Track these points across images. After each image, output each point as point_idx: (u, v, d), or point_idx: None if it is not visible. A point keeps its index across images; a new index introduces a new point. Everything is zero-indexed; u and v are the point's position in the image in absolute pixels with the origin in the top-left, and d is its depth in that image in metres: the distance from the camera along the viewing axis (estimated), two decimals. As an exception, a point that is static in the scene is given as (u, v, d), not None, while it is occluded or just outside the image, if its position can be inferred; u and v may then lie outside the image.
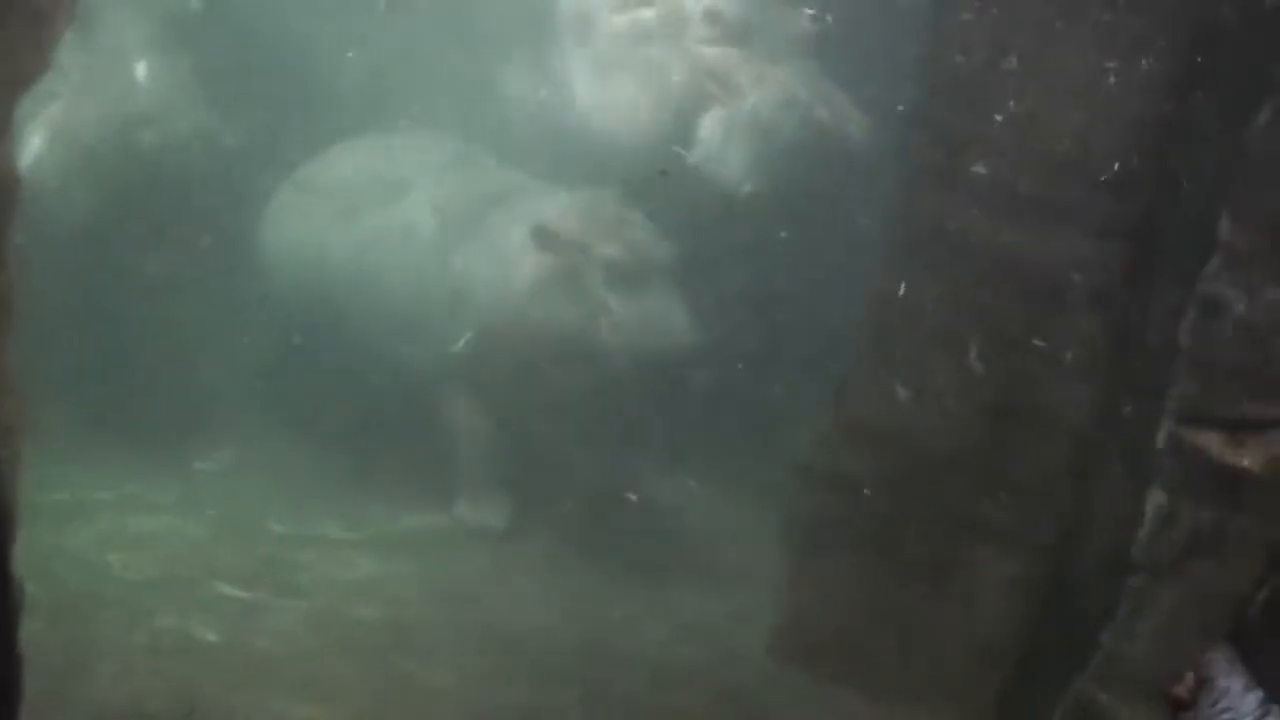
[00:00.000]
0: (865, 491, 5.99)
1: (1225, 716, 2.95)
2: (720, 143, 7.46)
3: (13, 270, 4.44)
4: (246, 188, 7.93)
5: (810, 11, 7.49)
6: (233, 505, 7.09)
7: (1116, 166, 5.48)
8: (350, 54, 8.21)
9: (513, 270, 7.11)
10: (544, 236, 6.99)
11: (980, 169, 5.67)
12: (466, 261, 7.28)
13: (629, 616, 6.59)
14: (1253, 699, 2.94)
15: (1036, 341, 5.69)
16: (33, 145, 7.16)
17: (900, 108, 6.16)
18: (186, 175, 7.53)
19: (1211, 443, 5.16)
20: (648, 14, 7.75)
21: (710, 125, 7.53)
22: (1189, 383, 5.21)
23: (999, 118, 5.61)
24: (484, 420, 7.27)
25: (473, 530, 7.20)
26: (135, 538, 6.67)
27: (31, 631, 3.29)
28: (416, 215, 7.45)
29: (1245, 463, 5.12)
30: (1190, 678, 3.00)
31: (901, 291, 5.84)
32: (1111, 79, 5.44)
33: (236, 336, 7.78)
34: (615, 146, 7.63)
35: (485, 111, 7.97)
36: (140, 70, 7.64)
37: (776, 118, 7.44)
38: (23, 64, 4.35)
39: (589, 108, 7.74)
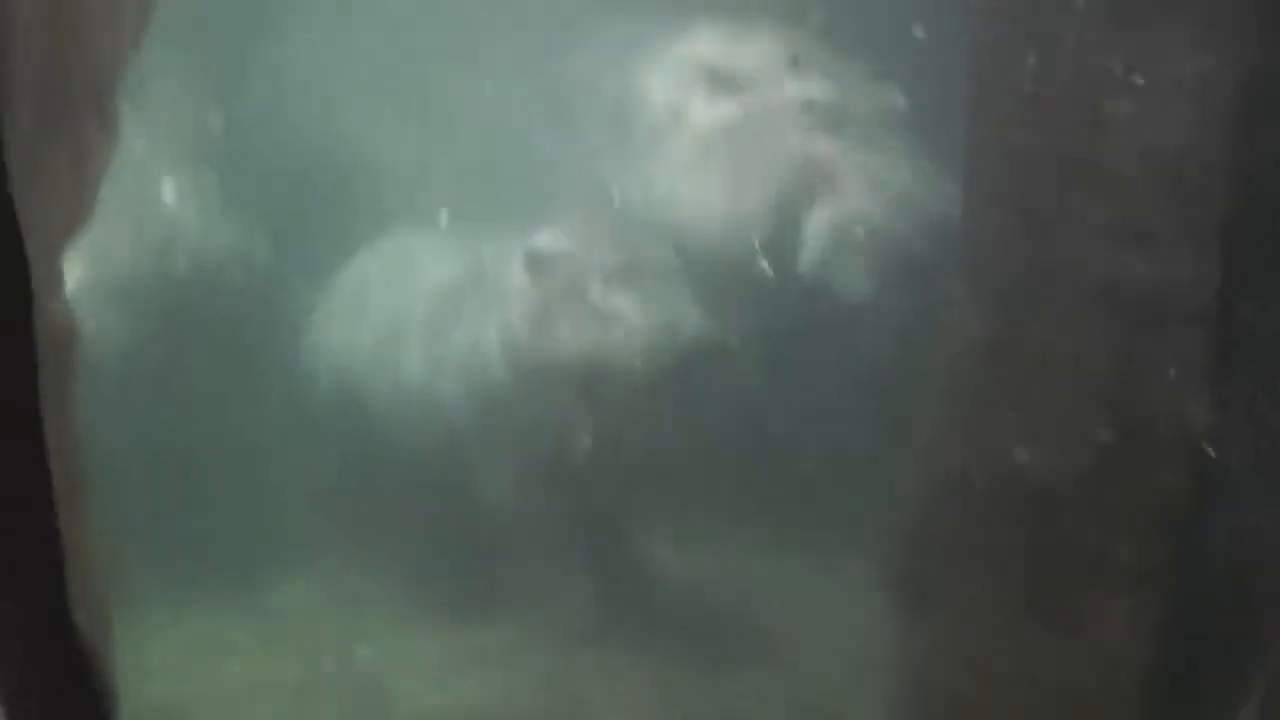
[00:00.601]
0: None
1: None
2: (830, 248, 7.13)
3: (79, 430, 4.24)
4: (286, 303, 7.82)
5: (899, 88, 7.22)
6: (315, 638, 6.85)
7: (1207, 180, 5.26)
8: (392, 148, 8.07)
9: (513, 310, 6.85)
10: (536, 260, 6.78)
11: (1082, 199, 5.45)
12: (468, 326, 7.07)
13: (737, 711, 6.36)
14: None
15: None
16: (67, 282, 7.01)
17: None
18: (224, 297, 7.44)
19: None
20: (740, 104, 7.43)
21: (817, 227, 7.19)
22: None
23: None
24: (535, 498, 7.05)
25: (570, 630, 6.95)
26: (226, 687, 6.47)
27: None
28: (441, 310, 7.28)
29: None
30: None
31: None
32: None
33: (292, 459, 7.61)
34: (705, 247, 7.31)
35: (555, 204, 7.77)
36: (168, 193, 7.58)
37: (889, 216, 7.15)
38: (68, 210, 4.18)
39: (675, 205, 7.46)
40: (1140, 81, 5.29)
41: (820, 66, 7.51)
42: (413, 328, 7.34)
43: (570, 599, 7.02)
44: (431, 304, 7.33)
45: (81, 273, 7.10)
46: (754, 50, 7.53)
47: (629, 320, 6.65)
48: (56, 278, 4.21)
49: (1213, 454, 5.56)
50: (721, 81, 7.50)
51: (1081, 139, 5.50)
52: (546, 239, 6.85)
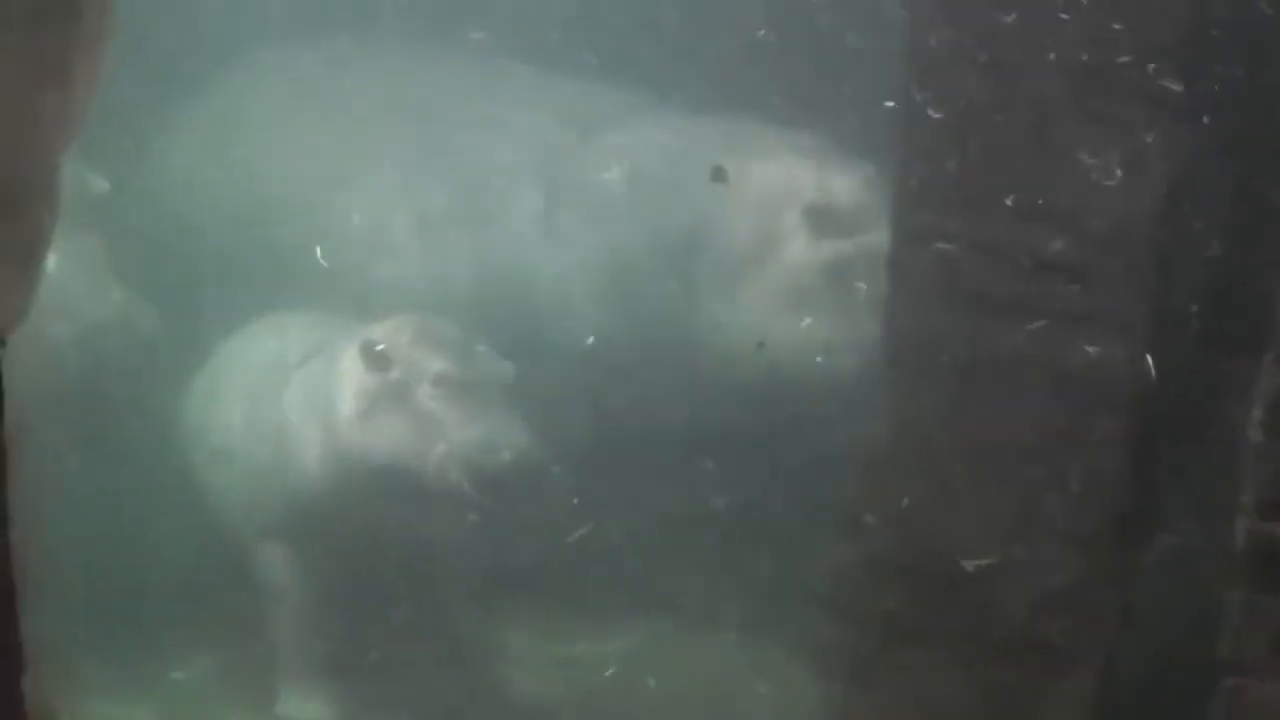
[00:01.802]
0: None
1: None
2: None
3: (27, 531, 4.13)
4: (168, 374, 7.66)
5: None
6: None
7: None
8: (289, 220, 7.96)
9: (338, 397, 6.88)
10: (370, 354, 6.76)
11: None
12: (296, 398, 7.07)
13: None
14: None
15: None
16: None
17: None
18: (102, 367, 7.29)
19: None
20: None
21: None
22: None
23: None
24: (304, 586, 7.02)
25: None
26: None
27: None
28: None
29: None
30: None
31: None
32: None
33: (174, 532, 7.44)
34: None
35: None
36: (50, 261, 7.39)
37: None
38: (16, 305, 4.10)
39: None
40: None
41: None
42: (250, 410, 7.25)
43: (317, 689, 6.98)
44: (268, 388, 7.25)
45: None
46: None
47: (449, 430, 6.69)
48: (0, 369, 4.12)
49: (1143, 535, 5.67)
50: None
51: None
52: (386, 331, 6.83)
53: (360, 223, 7.80)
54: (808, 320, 7.12)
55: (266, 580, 7.00)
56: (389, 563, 6.96)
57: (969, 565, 5.75)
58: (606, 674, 7.19)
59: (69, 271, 7.32)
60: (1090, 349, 5.56)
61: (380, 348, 6.76)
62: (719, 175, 7.10)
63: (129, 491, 7.29)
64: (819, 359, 7.04)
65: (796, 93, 7.40)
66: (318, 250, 7.63)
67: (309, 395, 7.01)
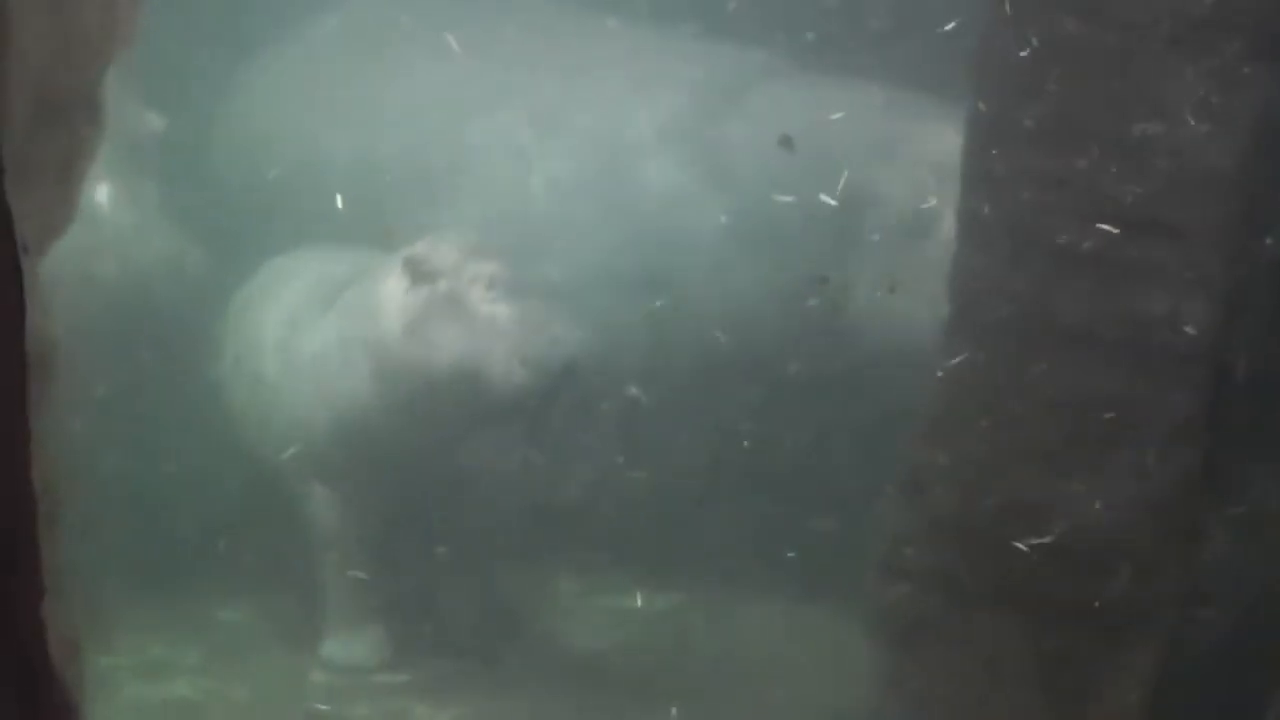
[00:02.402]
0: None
1: None
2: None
3: (58, 447, 4.06)
4: (211, 314, 7.61)
5: None
6: (266, 659, 6.69)
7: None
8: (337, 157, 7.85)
9: (384, 315, 6.75)
10: (415, 265, 6.63)
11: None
12: (340, 322, 6.96)
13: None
14: None
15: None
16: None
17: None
18: (152, 304, 7.24)
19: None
20: None
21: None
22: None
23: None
24: (348, 524, 6.89)
25: (344, 669, 6.83)
26: (175, 709, 6.25)
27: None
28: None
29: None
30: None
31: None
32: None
33: (215, 467, 7.38)
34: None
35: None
36: (103, 196, 7.36)
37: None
38: (54, 210, 4.01)
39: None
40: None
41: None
42: (288, 337, 7.15)
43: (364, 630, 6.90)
44: (305, 313, 7.14)
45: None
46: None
47: (508, 330, 6.53)
48: (35, 282, 4.02)
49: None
50: None
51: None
52: (427, 246, 6.70)
53: (480, 186, 7.66)
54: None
55: (310, 516, 6.91)
56: (435, 499, 6.85)
57: (1035, 529, 5.60)
58: (655, 629, 7.09)
59: (121, 210, 7.28)
60: (1167, 306, 5.38)
61: (423, 258, 6.66)
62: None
63: (170, 427, 7.27)
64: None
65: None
66: (338, 199, 7.54)
67: (353, 318, 6.90)
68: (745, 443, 7.07)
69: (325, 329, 6.95)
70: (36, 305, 3.97)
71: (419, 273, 6.61)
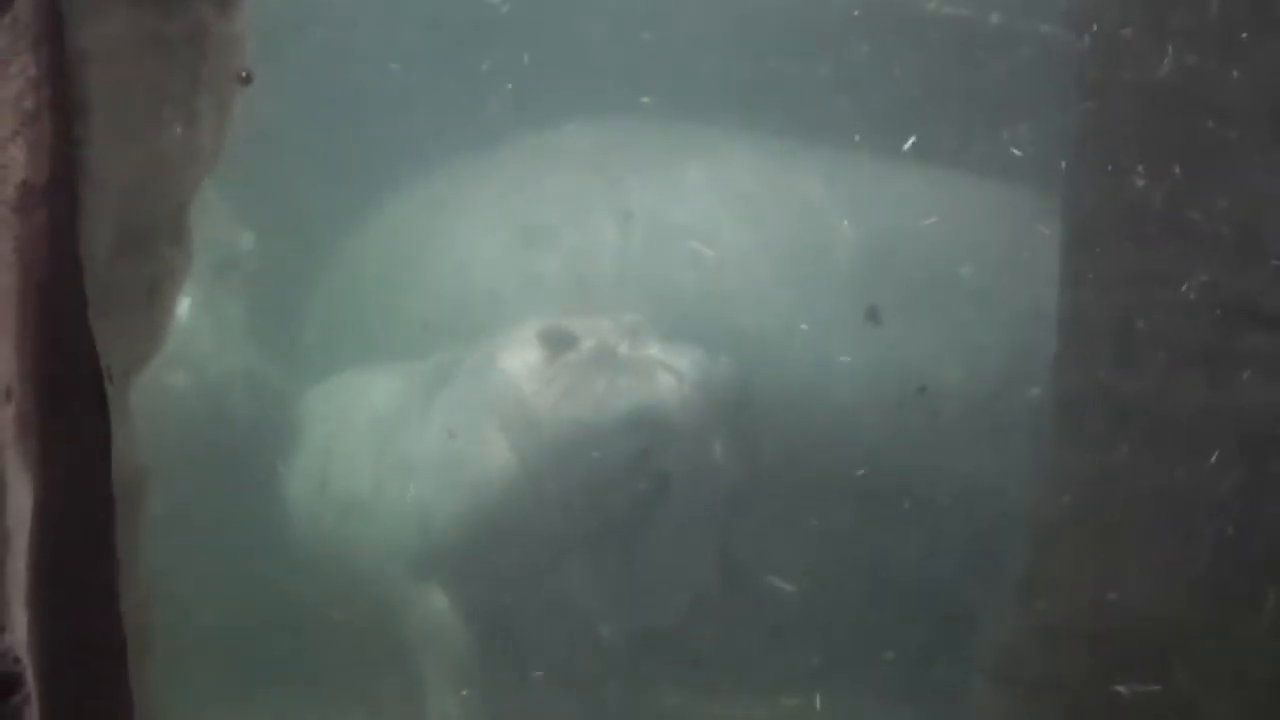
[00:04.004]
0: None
1: None
2: None
3: (149, 579, 4.04)
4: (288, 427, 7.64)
5: None
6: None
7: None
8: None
9: (526, 388, 6.70)
10: (554, 335, 6.60)
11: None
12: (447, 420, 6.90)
13: None
14: None
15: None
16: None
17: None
18: (224, 418, 7.25)
19: None
20: None
21: None
22: None
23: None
24: (452, 632, 6.84)
25: None
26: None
27: None
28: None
29: None
30: None
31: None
32: None
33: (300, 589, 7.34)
34: None
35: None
36: (183, 309, 7.41)
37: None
38: (142, 336, 4.01)
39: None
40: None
41: None
42: (386, 443, 7.14)
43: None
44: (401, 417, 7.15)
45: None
46: None
47: (671, 364, 6.51)
48: (125, 410, 4.02)
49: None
50: None
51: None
52: (555, 321, 6.74)
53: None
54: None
55: (413, 628, 6.85)
56: (542, 604, 6.78)
57: (1152, 633, 5.46)
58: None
59: (201, 324, 7.33)
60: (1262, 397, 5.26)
61: (560, 327, 6.67)
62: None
63: (251, 549, 7.24)
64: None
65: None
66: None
67: (477, 404, 6.85)
68: (844, 551, 6.99)
69: (431, 425, 6.91)
70: (124, 435, 3.97)
71: (559, 339, 6.60)
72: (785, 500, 7.02)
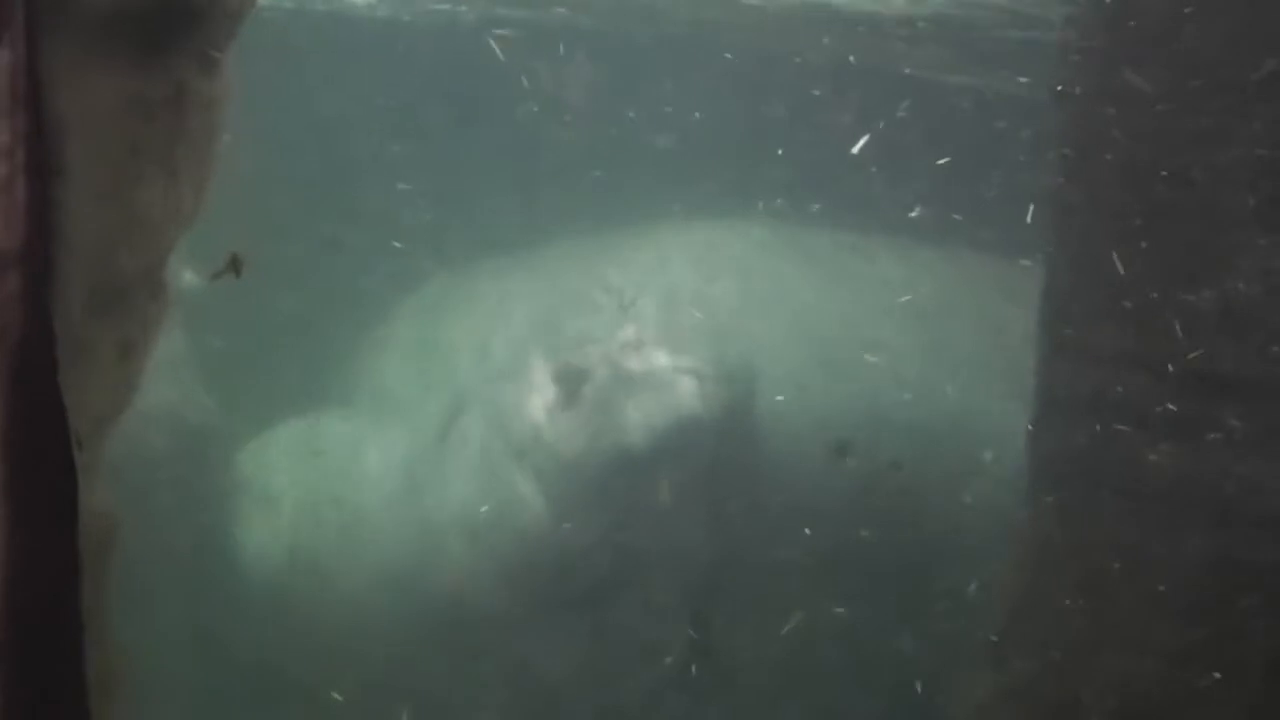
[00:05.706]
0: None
1: None
2: None
3: (113, 629, 4.08)
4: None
5: None
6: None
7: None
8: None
9: (547, 419, 6.75)
10: (569, 370, 6.64)
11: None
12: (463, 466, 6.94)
13: None
14: None
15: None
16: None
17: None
18: (198, 474, 7.30)
19: None
20: None
21: None
22: None
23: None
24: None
25: None
26: None
27: None
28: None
29: None
30: None
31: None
32: None
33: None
34: None
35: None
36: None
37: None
38: (112, 394, 4.05)
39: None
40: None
41: None
42: (389, 510, 7.16)
43: None
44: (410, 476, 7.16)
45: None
46: None
47: (680, 360, 6.57)
48: (96, 465, 4.07)
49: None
50: None
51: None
52: (560, 364, 6.80)
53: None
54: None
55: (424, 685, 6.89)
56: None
57: (1124, 701, 5.51)
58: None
59: (162, 375, 7.37)
60: (1257, 470, 5.31)
61: (573, 363, 6.74)
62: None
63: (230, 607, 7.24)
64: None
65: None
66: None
67: (492, 443, 6.89)
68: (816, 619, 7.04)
69: (455, 483, 6.95)
70: (92, 489, 4.02)
71: (574, 374, 6.66)
72: (755, 572, 7.08)
